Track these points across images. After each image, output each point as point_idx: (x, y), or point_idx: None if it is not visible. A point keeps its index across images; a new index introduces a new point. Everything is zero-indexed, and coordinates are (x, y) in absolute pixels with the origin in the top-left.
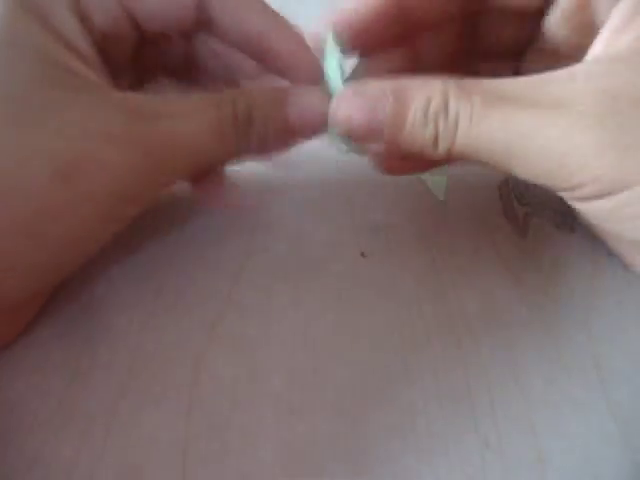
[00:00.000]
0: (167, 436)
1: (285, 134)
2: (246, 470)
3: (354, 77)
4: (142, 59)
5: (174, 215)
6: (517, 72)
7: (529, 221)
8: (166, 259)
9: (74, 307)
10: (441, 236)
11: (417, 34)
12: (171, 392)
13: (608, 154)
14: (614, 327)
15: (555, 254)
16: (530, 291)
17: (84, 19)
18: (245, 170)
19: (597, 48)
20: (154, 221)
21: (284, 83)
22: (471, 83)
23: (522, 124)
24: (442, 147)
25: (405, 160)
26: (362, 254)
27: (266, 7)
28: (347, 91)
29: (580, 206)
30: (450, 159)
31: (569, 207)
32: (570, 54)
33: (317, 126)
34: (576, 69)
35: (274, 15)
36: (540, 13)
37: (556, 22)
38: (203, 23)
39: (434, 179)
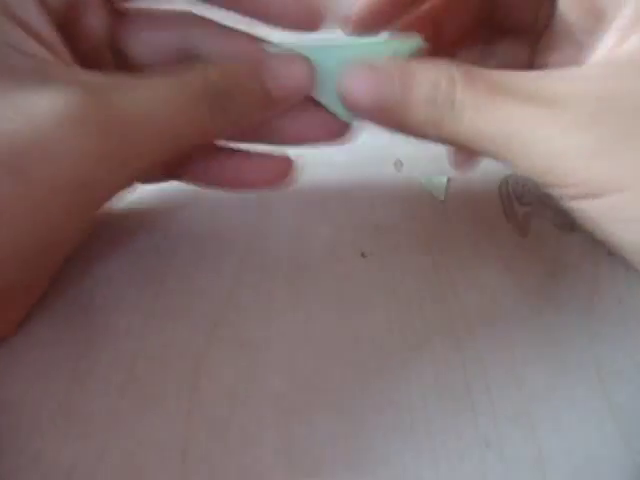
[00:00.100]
0: (167, 436)
1: (266, 106)
2: (246, 470)
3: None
4: (125, 46)
5: (174, 215)
6: (532, 54)
7: (529, 221)
8: (166, 259)
9: (74, 308)
10: (441, 236)
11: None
12: (171, 392)
13: (600, 158)
14: (615, 327)
15: (555, 254)
16: (530, 291)
17: None
18: None
19: (605, 47)
20: (154, 221)
21: None
22: (477, 71)
23: (522, 119)
24: (446, 132)
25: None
26: (362, 254)
27: None
28: (353, 68)
29: (570, 204)
30: (449, 143)
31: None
32: (582, 39)
33: (299, 95)
34: (578, 70)
35: None
36: None
37: (567, 4)
38: None
39: (434, 180)
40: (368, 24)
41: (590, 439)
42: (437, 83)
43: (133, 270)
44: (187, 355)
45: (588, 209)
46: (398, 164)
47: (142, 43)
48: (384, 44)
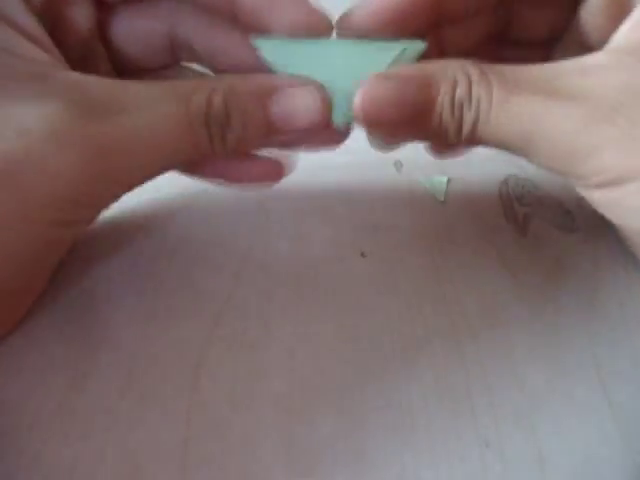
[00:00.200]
0: (167, 436)
1: (267, 134)
2: (246, 470)
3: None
4: (110, 36)
5: (174, 216)
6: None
7: (529, 221)
8: (166, 259)
9: (74, 308)
10: (441, 236)
11: (448, 23)
12: (171, 392)
13: (617, 147)
14: (614, 327)
15: (555, 254)
16: (530, 291)
17: None
18: None
19: (615, 40)
20: (154, 222)
21: None
22: (490, 68)
23: (538, 113)
24: (465, 133)
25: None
26: (362, 254)
27: None
28: (372, 81)
29: (587, 194)
30: (469, 145)
31: (569, 207)
32: (600, 48)
33: (305, 131)
34: (588, 60)
35: None
36: (575, 2)
37: (593, 8)
38: None
39: (434, 180)
40: (377, 28)
41: (590, 439)
42: (456, 84)
43: (133, 270)
44: (187, 355)
45: (610, 197)
46: (398, 165)
47: (131, 34)
48: (391, 45)
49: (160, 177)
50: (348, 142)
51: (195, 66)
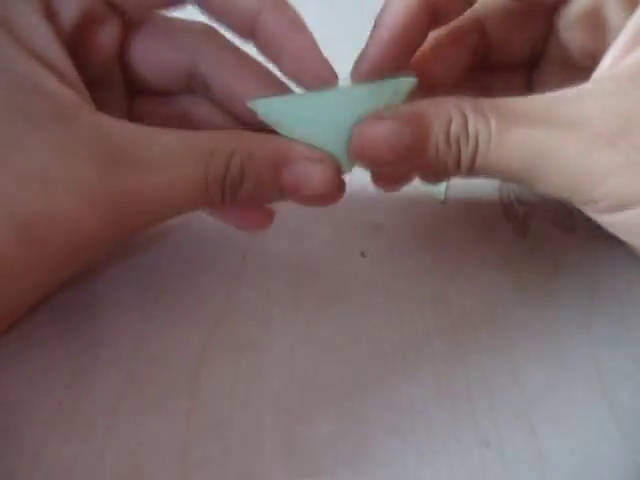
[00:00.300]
0: (167, 436)
1: (276, 197)
2: (246, 470)
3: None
4: (128, 66)
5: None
6: (530, 85)
7: (529, 221)
8: (166, 260)
9: (75, 308)
10: (441, 236)
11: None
12: (171, 392)
13: (620, 173)
14: (615, 327)
15: (555, 254)
16: (530, 291)
17: (52, 15)
18: None
19: (605, 65)
20: None
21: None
22: (485, 103)
23: (537, 145)
24: (464, 166)
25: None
26: (362, 254)
27: None
28: (367, 122)
29: (595, 216)
30: (469, 176)
31: (569, 207)
32: (583, 62)
33: (313, 200)
34: (584, 88)
35: None
36: (551, 16)
37: (569, 23)
38: None
39: None
40: (370, 73)
41: (590, 439)
42: (450, 120)
43: (133, 270)
44: (187, 355)
45: (618, 220)
46: None
47: (149, 60)
48: (383, 86)
49: None
50: None
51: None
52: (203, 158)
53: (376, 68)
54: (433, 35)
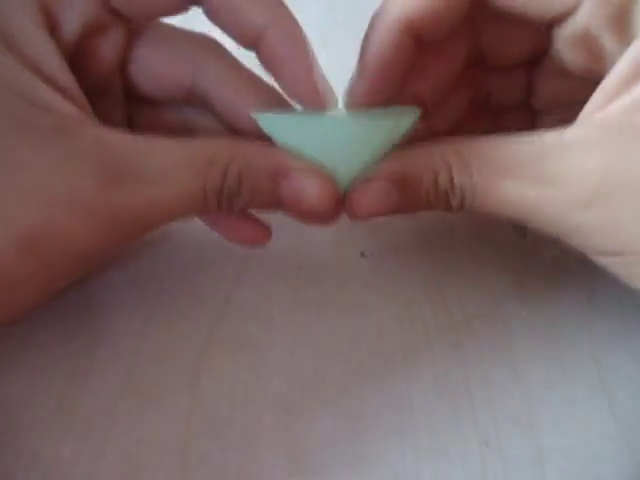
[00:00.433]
0: (167, 436)
1: (274, 208)
2: (246, 470)
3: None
4: (130, 76)
5: None
6: (530, 83)
7: None
8: (166, 260)
9: (74, 308)
10: (440, 237)
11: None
12: (171, 392)
13: (604, 229)
14: (615, 327)
15: (555, 254)
16: (530, 291)
17: (55, 27)
18: None
19: (594, 104)
20: None
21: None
22: (470, 153)
23: (518, 201)
24: (454, 210)
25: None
26: (362, 254)
27: None
28: (356, 187)
29: (593, 258)
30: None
31: None
32: (582, 74)
33: (310, 216)
34: (569, 136)
35: (274, 6)
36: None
37: (563, 41)
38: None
39: None
40: (362, 105)
41: (590, 439)
42: (438, 173)
43: (133, 270)
44: (187, 355)
45: (610, 264)
46: None
47: (150, 71)
48: (386, 117)
49: None
50: None
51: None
52: (203, 169)
53: (367, 100)
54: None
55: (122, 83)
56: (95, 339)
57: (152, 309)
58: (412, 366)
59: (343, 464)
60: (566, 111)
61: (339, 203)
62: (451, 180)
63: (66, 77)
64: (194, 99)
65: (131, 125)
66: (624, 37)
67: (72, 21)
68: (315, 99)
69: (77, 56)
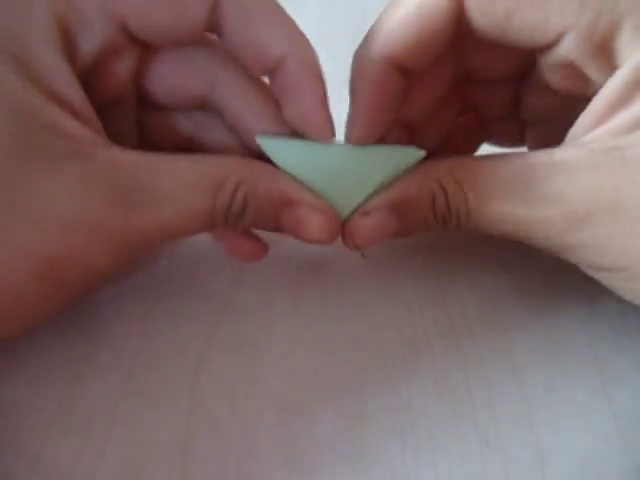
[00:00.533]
0: (167, 436)
1: (275, 230)
2: (246, 470)
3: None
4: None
5: None
6: (517, 95)
7: None
8: (166, 260)
9: (75, 309)
10: (441, 237)
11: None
12: (171, 392)
13: (597, 248)
14: (615, 327)
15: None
16: (530, 292)
17: (73, 49)
18: None
19: (583, 125)
20: None
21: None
22: (464, 178)
23: (511, 221)
24: (451, 230)
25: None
26: (362, 254)
27: (286, 21)
28: (354, 219)
29: (587, 272)
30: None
31: None
32: (567, 95)
33: (308, 242)
34: (560, 156)
35: (293, 36)
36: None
37: (548, 67)
38: (213, 29)
39: None
40: (364, 137)
41: (590, 439)
42: (434, 198)
43: (133, 271)
44: (187, 355)
45: (605, 278)
46: None
47: (166, 85)
48: (391, 155)
49: None
50: None
51: None
52: (213, 189)
53: (366, 135)
54: None
55: (135, 91)
56: (95, 340)
57: (152, 309)
58: (412, 366)
59: (343, 464)
60: (555, 122)
61: (338, 233)
62: (447, 205)
63: (81, 100)
64: (208, 108)
65: (141, 130)
66: (607, 67)
67: (89, 43)
68: (323, 132)
69: (91, 75)
